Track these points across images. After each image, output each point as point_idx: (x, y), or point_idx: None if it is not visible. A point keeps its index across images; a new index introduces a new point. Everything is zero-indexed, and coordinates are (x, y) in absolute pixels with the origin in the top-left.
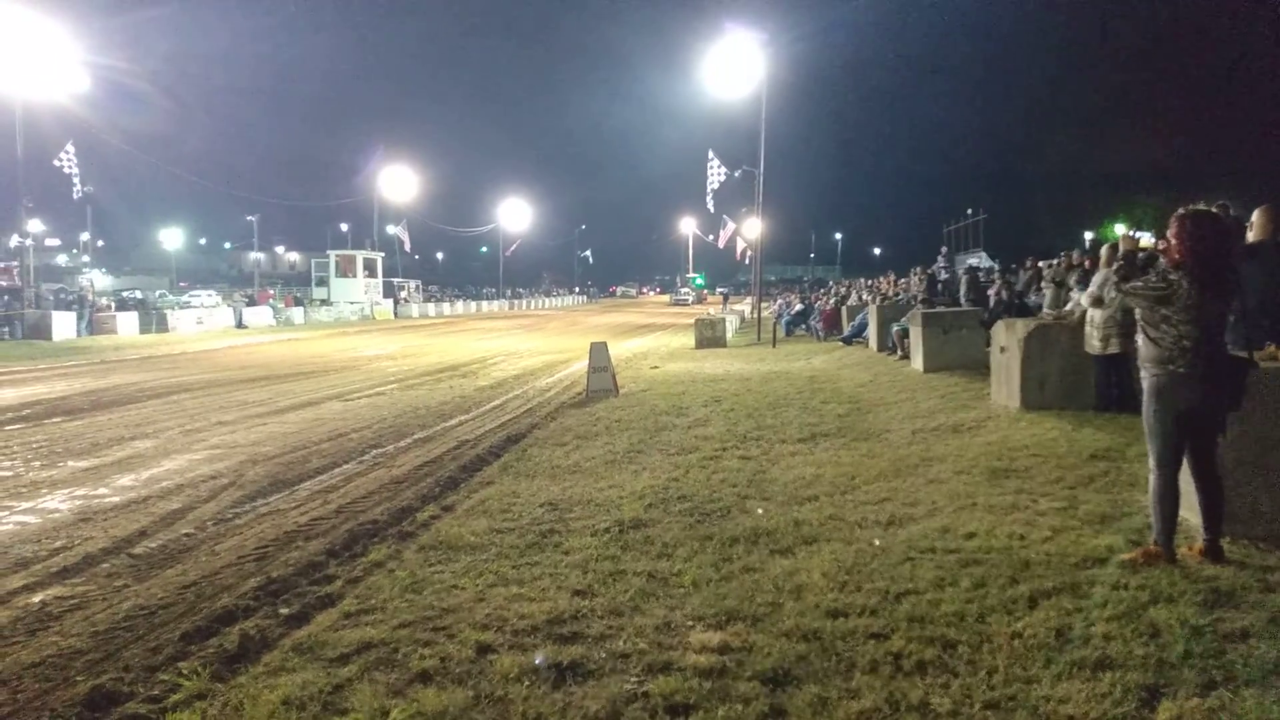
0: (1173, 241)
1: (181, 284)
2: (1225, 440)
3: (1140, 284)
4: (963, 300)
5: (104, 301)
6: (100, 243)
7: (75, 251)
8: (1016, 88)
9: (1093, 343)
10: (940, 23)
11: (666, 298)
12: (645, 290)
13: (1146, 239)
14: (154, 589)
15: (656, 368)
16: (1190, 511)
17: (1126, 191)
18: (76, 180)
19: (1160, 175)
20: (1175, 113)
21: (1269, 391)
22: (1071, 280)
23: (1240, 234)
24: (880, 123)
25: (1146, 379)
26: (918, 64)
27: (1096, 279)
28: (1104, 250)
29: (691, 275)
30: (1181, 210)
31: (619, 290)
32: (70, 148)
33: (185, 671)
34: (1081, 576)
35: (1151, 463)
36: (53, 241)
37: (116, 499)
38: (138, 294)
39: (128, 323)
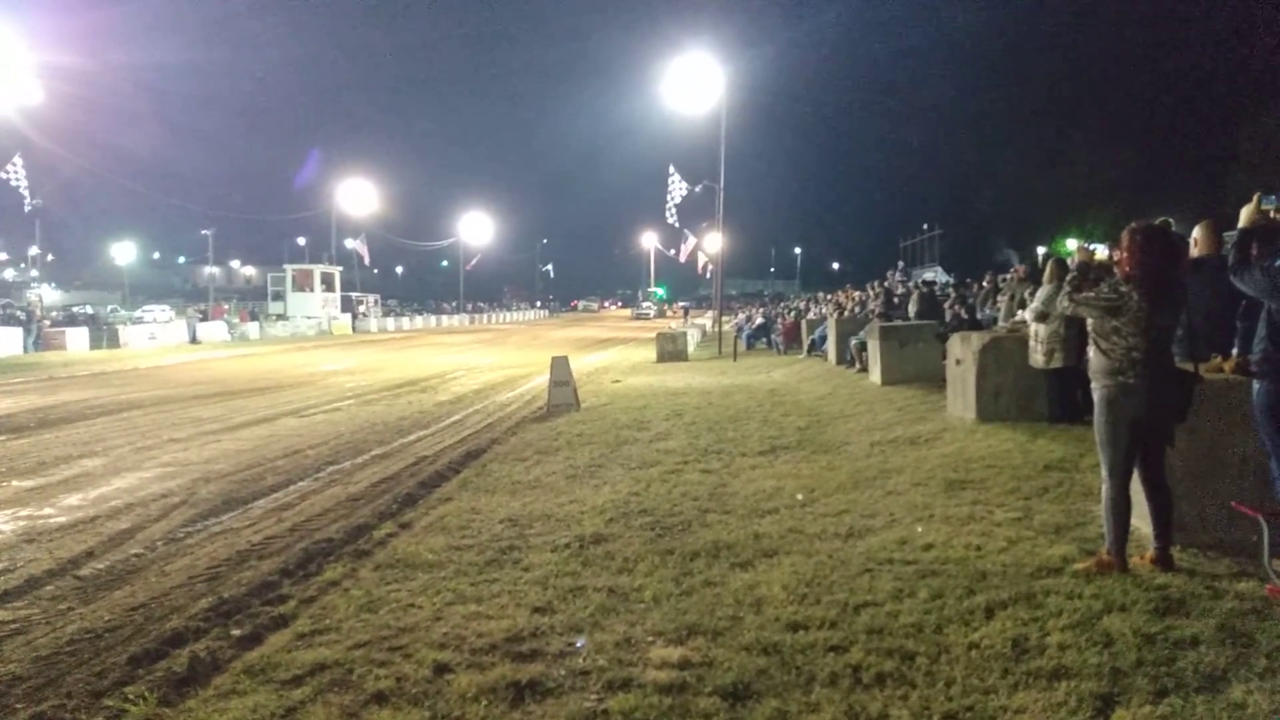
0: (1124, 255)
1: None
2: (1173, 451)
3: (1092, 295)
4: (911, 315)
5: (53, 316)
6: (50, 257)
7: (24, 266)
8: (970, 106)
9: (1036, 357)
10: (894, 43)
11: (628, 312)
12: (607, 304)
13: (1101, 251)
14: (100, 611)
15: (618, 382)
16: (1142, 521)
17: (1078, 207)
18: (25, 193)
19: (1110, 191)
20: (1124, 130)
21: (1214, 403)
22: (1025, 293)
23: (1187, 249)
24: (838, 140)
25: (1098, 390)
26: (873, 82)
27: (1040, 294)
28: (1049, 265)
29: (653, 289)
30: (1132, 225)
31: (581, 304)
32: (18, 160)
33: (131, 696)
34: (1037, 586)
35: (1104, 473)
36: (0, 256)
37: (63, 519)
38: (89, 309)
39: (78, 338)
